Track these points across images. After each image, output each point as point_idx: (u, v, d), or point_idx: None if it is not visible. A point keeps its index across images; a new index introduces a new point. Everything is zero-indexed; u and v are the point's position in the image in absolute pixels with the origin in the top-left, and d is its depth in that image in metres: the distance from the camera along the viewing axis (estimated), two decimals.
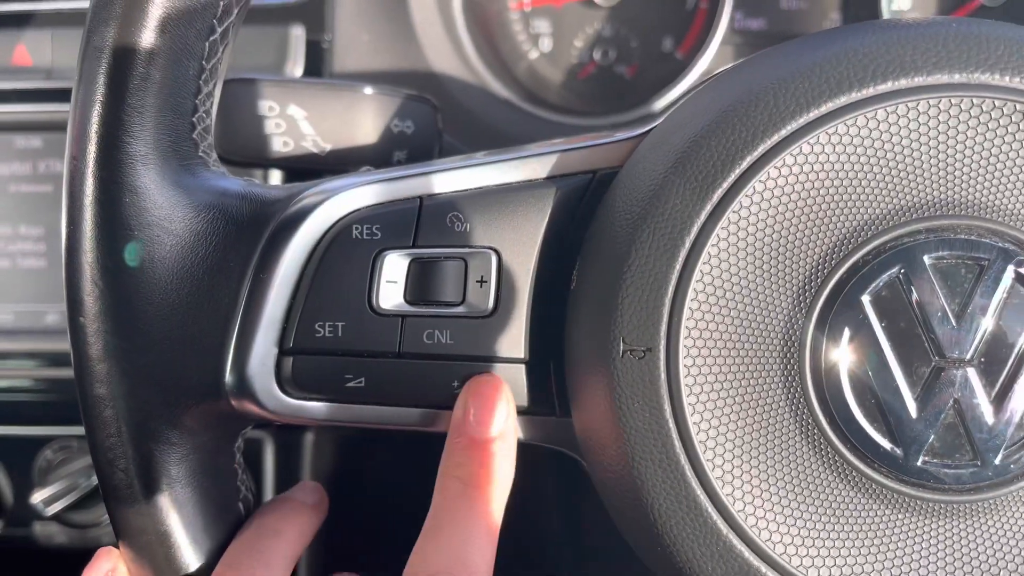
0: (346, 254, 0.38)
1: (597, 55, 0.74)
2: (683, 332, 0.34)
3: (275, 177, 0.63)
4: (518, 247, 0.38)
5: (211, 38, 0.37)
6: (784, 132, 0.34)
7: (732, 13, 0.71)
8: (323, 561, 0.68)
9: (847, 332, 0.34)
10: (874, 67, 0.34)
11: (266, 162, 0.51)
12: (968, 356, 0.33)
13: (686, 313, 0.34)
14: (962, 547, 0.34)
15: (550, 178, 0.39)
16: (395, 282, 0.38)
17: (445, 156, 0.52)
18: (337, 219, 0.38)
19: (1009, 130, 0.34)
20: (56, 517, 0.66)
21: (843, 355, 0.34)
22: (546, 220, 0.39)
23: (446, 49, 0.70)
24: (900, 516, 0.34)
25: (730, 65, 0.39)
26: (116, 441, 0.36)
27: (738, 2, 0.71)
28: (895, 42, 0.34)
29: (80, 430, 0.37)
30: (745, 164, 0.34)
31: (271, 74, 0.65)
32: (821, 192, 0.34)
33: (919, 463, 0.34)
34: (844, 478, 0.34)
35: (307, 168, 0.51)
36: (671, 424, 0.34)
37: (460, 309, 0.38)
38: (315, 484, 0.45)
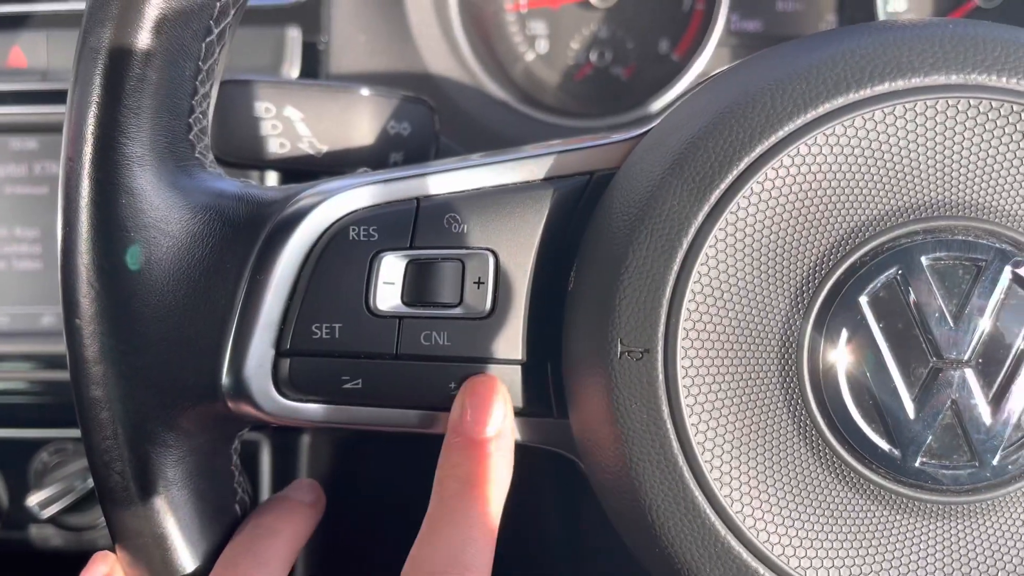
0: (343, 255, 0.38)
1: (593, 57, 0.74)
2: (681, 333, 0.34)
3: (271, 178, 0.63)
4: (515, 248, 0.38)
5: (207, 39, 0.37)
6: (781, 133, 0.34)
7: (728, 15, 0.71)
8: (321, 562, 0.67)
9: (845, 333, 0.34)
10: (871, 68, 0.34)
11: (262, 163, 0.51)
12: (966, 357, 0.33)
13: (684, 314, 0.34)
14: (960, 548, 0.34)
15: (547, 179, 0.39)
16: (392, 283, 0.38)
17: (442, 158, 0.52)
18: (334, 220, 0.38)
19: (1006, 131, 0.34)
20: (52, 520, 0.66)
21: (841, 356, 0.34)
22: (543, 221, 0.39)
23: (442, 51, 0.70)
24: (898, 517, 0.34)
25: (727, 66, 0.40)
26: (112, 443, 0.36)
27: (734, 4, 0.71)
28: (892, 43, 0.34)
29: (76, 432, 0.37)
30: (743, 165, 0.34)
31: (267, 75, 0.65)
32: (819, 193, 0.34)
33: (917, 464, 0.34)
34: (842, 479, 0.34)
35: (303, 169, 0.51)
36: (669, 425, 0.34)
37: (457, 310, 0.38)
38: (311, 482, 0.45)
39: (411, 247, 0.38)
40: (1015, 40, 0.34)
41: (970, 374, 0.33)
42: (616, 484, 0.36)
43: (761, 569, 0.34)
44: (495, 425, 0.38)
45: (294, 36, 0.66)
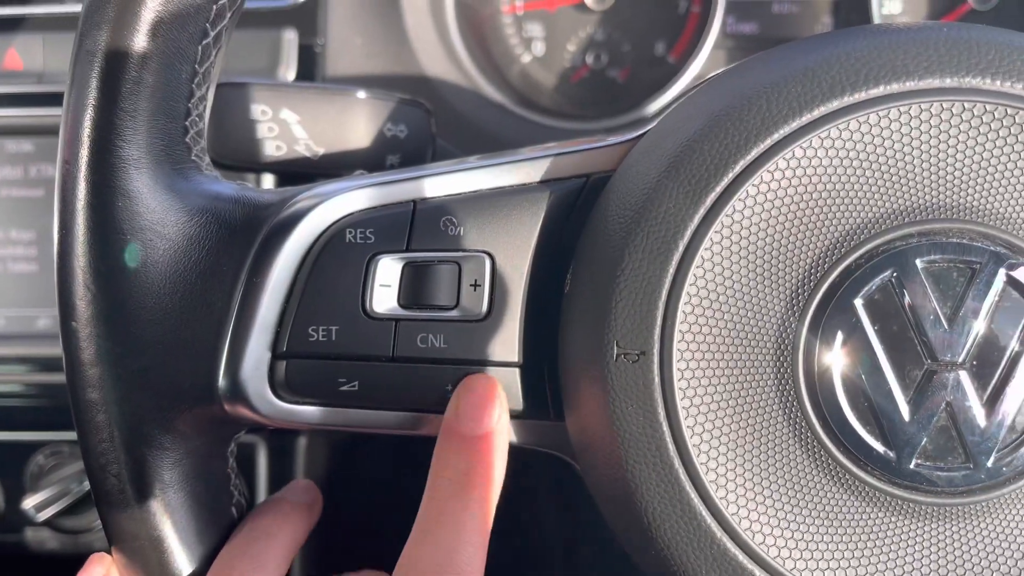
0: (340, 258, 0.38)
1: (590, 59, 0.74)
2: (677, 336, 0.34)
3: (268, 181, 0.63)
4: (512, 251, 0.38)
5: (204, 42, 0.37)
6: (777, 136, 0.34)
7: (724, 17, 0.71)
8: (318, 563, 0.67)
9: (840, 335, 0.34)
10: (866, 71, 0.34)
11: (259, 166, 0.51)
12: (960, 359, 0.33)
13: (680, 317, 0.34)
14: (955, 549, 0.34)
15: (543, 182, 0.39)
16: (388, 286, 0.38)
17: (438, 160, 0.52)
18: (330, 223, 0.38)
19: (1000, 134, 0.34)
20: (48, 523, 0.66)
21: (836, 358, 0.34)
22: (540, 224, 0.39)
23: (439, 53, 0.70)
24: (893, 518, 0.34)
25: (722, 69, 0.40)
26: (109, 446, 0.36)
27: (730, 6, 0.72)
28: (887, 47, 0.35)
29: (72, 435, 0.37)
30: (738, 168, 0.34)
31: (264, 78, 0.65)
32: (814, 196, 0.34)
33: (912, 466, 0.34)
34: (837, 481, 0.34)
35: (300, 172, 0.51)
36: (665, 427, 0.34)
37: (454, 313, 0.38)
38: (308, 483, 0.45)
39: (407, 250, 0.38)
40: (1009, 43, 0.35)
41: (964, 376, 0.33)
42: (612, 486, 0.36)
43: (757, 571, 0.34)
44: (489, 423, 0.37)
45: (290, 38, 0.66)
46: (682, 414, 0.34)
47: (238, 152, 0.50)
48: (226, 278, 0.37)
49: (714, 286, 0.34)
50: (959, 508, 0.34)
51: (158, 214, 0.36)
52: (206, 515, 0.39)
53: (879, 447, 0.34)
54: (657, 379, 0.34)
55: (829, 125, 0.34)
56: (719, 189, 0.34)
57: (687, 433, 0.34)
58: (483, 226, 0.38)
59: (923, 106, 0.34)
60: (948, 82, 0.34)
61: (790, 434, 0.34)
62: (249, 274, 0.37)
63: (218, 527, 0.40)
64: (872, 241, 0.34)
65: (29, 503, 0.65)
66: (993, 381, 0.33)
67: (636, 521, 0.36)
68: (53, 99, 0.66)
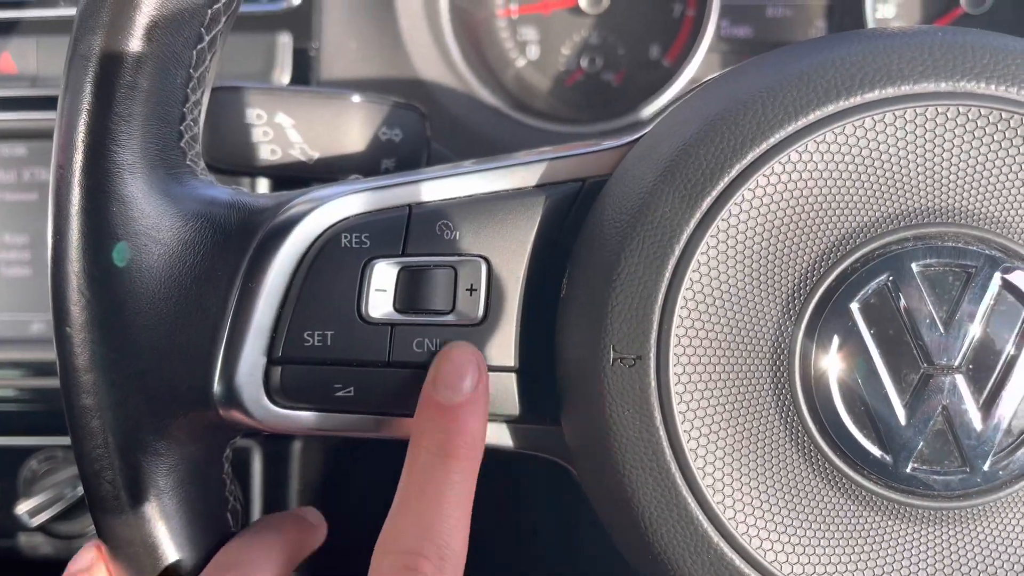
0: (335, 263, 0.38)
1: (584, 62, 0.74)
2: (673, 340, 0.34)
3: (263, 185, 0.63)
4: (508, 255, 0.38)
5: (199, 46, 0.37)
6: (772, 140, 0.34)
7: (718, 21, 0.71)
8: (312, 568, 0.67)
9: (836, 339, 0.34)
10: (861, 76, 0.34)
11: (254, 170, 0.51)
12: (956, 363, 0.33)
13: (676, 321, 0.34)
14: (952, 553, 0.34)
15: (539, 186, 0.39)
16: (384, 291, 0.38)
17: (433, 164, 0.52)
18: (326, 228, 0.38)
19: (995, 138, 0.34)
20: (41, 528, 0.66)
21: (832, 362, 0.34)
22: (536, 228, 0.39)
23: (434, 56, 0.70)
24: (890, 523, 0.34)
25: (718, 73, 0.40)
26: (103, 452, 0.36)
27: (724, 10, 0.72)
28: (882, 51, 0.35)
29: (65, 440, 0.37)
30: (734, 172, 0.34)
31: (259, 82, 0.65)
32: (809, 200, 0.34)
33: (908, 470, 0.34)
34: (834, 485, 0.34)
35: (295, 176, 0.51)
36: (662, 432, 0.34)
37: (450, 317, 0.38)
38: (315, 510, 0.45)
39: (403, 254, 0.38)
40: (1004, 47, 0.35)
41: (961, 380, 0.33)
42: (609, 491, 0.36)
43: (753, 575, 0.34)
44: (466, 391, 0.36)
45: (285, 42, 0.66)
46: (679, 418, 0.34)
47: (233, 156, 0.50)
48: (221, 283, 0.37)
49: (710, 290, 0.34)
50: (955, 512, 0.34)
51: (152, 219, 0.36)
52: (201, 521, 0.39)
53: (875, 451, 0.34)
54: (653, 383, 0.34)
55: (824, 129, 0.34)
56: (715, 193, 0.34)
57: (684, 437, 0.34)
58: (479, 230, 0.38)
59: (918, 110, 0.34)
60: (943, 86, 0.34)
61: (786, 438, 0.34)
62: (244, 279, 0.37)
63: (213, 533, 0.40)
64: (868, 245, 0.34)
65: (22, 508, 0.64)
66: (989, 385, 0.33)
67: (633, 526, 0.35)
68: (47, 103, 0.66)
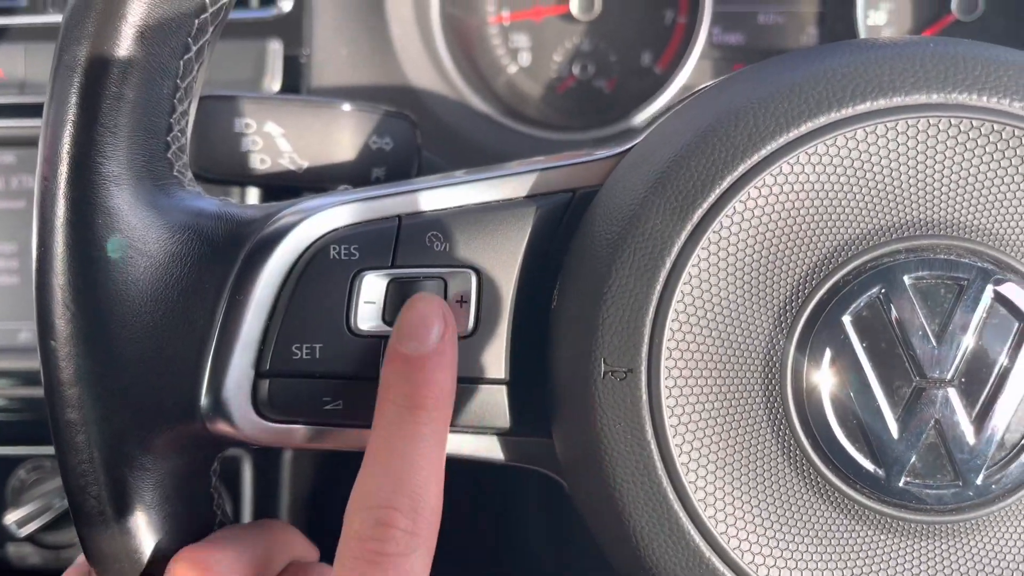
0: (324, 275, 0.37)
1: (576, 69, 0.74)
2: (664, 353, 0.34)
3: (252, 195, 0.63)
4: (498, 266, 0.38)
5: (186, 57, 0.37)
6: (764, 152, 0.34)
7: (710, 28, 0.71)
8: None
9: (828, 353, 0.34)
10: (853, 87, 0.34)
11: (243, 179, 0.51)
12: (949, 376, 0.33)
13: (667, 334, 0.34)
14: (944, 567, 0.34)
15: (530, 197, 0.39)
16: (373, 303, 0.37)
17: (424, 172, 0.52)
18: (314, 239, 0.38)
19: (987, 150, 0.34)
20: (29, 538, 0.65)
21: (824, 376, 0.34)
22: (526, 239, 0.38)
23: (425, 64, 0.70)
24: (882, 536, 0.34)
25: (709, 83, 0.39)
26: (88, 467, 0.36)
27: (716, 17, 0.72)
28: (874, 62, 0.34)
29: (54, 450, 0.36)
30: (725, 184, 0.34)
31: (248, 90, 0.65)
32: (801, 212, 0.34)
33: (901, 484, 0.33)
34: (826, 499, 0.34)
35: (285, 185, 0.51)
36: (653, 446, 0.34)
37: None
38: (282, 522, 0.44)
39: (393, 266, 0.38)
40: (995, 59, 0.35)
41: (953, 393, 0.33)
42: (600, 505, 0.36)
43: None
44: (431, 342, 0.35)
45: (275, 49, 0.66)
46: (670, 432, 0.34)
47: (222, 165, 0.50)
48: (208, 295, 0.37)
49: (702, 303, 0.34)
50: (948, 526, 0.34)
51: (139, 231, 0.36)
52: (188, 537, 0.38)
53: (868, 465, 0.34)
54: (645, 397, 0.34)
55: (816, 141, 0.34)
56: (706, 205, 0.34)
57: (675, 451, 0.34)
58: (469, 241, 0.38)
59: (910, 122, 0.34)
60: (935, 98, 0.34)
61: (778, 452, 0.34)
62: (232, 291, 0.37)
63: None
64: (860, 257, 0.34)
65: (10, 518, 0.64)
66: (982, 398, 0.33)
67: (624, 539, 0.35)
68: (35, 110, 0.66)
